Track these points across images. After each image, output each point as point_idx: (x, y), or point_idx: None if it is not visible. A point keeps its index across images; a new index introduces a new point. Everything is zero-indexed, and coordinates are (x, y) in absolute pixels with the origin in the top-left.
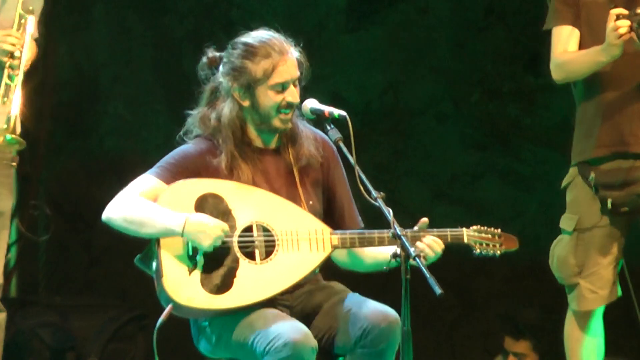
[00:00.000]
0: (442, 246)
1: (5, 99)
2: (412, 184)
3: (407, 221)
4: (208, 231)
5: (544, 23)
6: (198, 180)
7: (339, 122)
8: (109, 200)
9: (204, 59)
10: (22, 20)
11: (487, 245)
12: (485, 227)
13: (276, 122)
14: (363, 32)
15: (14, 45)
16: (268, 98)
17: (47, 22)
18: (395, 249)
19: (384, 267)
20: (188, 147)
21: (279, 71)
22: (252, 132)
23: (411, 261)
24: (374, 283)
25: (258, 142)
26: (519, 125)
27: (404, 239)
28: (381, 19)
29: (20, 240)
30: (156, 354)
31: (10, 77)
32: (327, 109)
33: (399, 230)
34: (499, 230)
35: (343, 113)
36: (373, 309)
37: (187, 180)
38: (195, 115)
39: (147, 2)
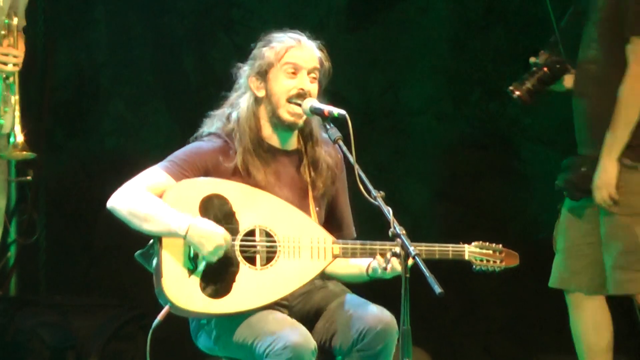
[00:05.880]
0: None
1: (7, 109)
2: (412, 184)
3: (407, 220)
4: (210, 240)
5: (543, 22)
6: (205, 180)
7: (338, 121)
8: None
9: (238, 70)
10: (11, 26)
11: (488, 261)
12: (487, 243)
13: (284, 113)
14: (363, 31)
15: (6, 56)
16: (279, 82)
17: (47, 22)
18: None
19: (367, 274)
20: (201, 144)
21: (290, 53)
22: (267, 128)
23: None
24: (372, 282)
25: (273, 141)
26: (519, 124)
27: (403, 237)
28: (381, 18)
29: (20, 240)
30: (148, 353)
31: (8, 88)
32: (327, 108)
33: (398, 229)
34: (500, 246)
35: (343, 112)
36: (370, 311)
37: (194, 180)
38: (216, 113)
39: (147, 1)
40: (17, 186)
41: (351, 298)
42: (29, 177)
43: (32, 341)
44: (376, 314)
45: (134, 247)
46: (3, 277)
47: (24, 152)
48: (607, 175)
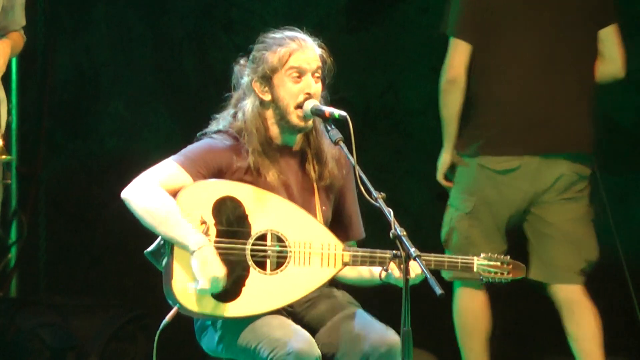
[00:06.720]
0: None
1: None
2: (413, 184)
3: (408, 221)
4: (212, 267)
5: None
6: (218, 182)
7: (339, 123)
8: (110, 200)
9: (236, 67)
10: None
11: (495, 273)
12: (495, 255)
13: (294, 119)
14: (364, 32)
15: None
16: (285, 87)
17: (47, 22)
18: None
19: (380, 279)
20: (214, 142)
21: (294, 57)
22: (274, 129)
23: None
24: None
25: (279, 141)
26: None
27: (404, 239)
28: (381, 18)
29: (21, 241)
30: (155, 354)
31: None
32: (328, 110)
33: (399, 230)
34: (508, 257)
35: (343, 113)
36: (375, 332)
37: (208, 181)
38: (221, 114)
39: (147, 1)
40: (17, 187)
41: (357, 314)
42: (8, 181)
43: (32, 341)
44: (381, 334)
45: (134, 247)
46: (3, 278)
47: (3, 156)
48: (440, 161)
